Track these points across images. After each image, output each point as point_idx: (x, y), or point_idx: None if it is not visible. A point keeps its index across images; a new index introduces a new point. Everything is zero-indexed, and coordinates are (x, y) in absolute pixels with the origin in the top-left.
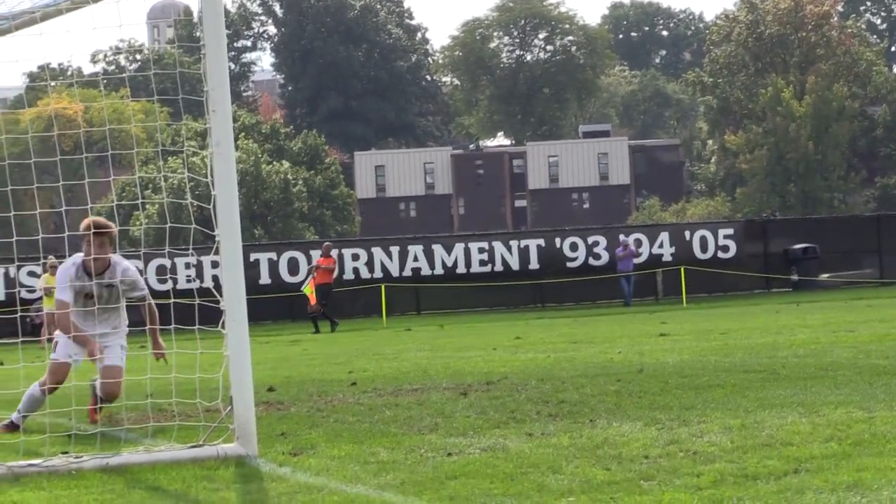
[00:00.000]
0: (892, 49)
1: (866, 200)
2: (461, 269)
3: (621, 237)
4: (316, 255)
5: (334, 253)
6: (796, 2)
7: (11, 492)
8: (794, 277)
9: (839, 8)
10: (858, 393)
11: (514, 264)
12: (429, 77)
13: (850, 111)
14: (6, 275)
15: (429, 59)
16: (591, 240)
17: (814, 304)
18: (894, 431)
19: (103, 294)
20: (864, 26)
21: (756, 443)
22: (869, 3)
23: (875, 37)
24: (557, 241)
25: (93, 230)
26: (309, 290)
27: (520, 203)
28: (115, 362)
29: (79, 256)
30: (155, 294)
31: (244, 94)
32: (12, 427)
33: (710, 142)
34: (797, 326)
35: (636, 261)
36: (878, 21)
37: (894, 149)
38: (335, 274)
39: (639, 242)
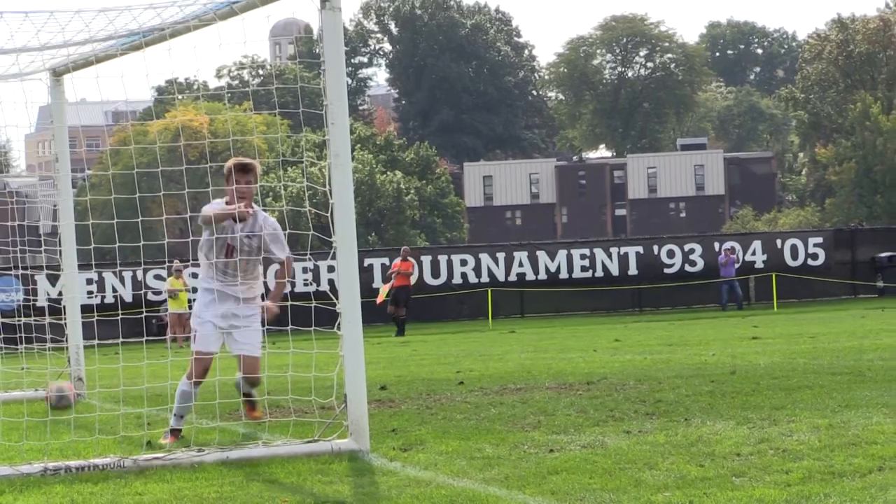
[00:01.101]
0: None
1: None
2: (564, 275)
3: (725, 246)
4: (427, 261)
5: (427, 258)
6: (885, 22)
7: (136, 483)
8: (880, 284)
9: None
10: None
11: (614, 270)
12: (535, 92)
13: None
14: (133, 277)
15: (535, 74)
16: (687, 247)
17: None
18: None
19: (244, 245)
20: None
21: (842, 441)
22: None
23: None
24: (655, 248)
25: (236, 168)
26: (384, 292)
27: (620, 212)
28: (253, 353)
29: (222, 200)
30: None
31: (360, 107)
32: (176, 434)
33: (801, 154)
34: (882, 331)
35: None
36: None
37: None
38: (414, 279)
39: (732, 250)
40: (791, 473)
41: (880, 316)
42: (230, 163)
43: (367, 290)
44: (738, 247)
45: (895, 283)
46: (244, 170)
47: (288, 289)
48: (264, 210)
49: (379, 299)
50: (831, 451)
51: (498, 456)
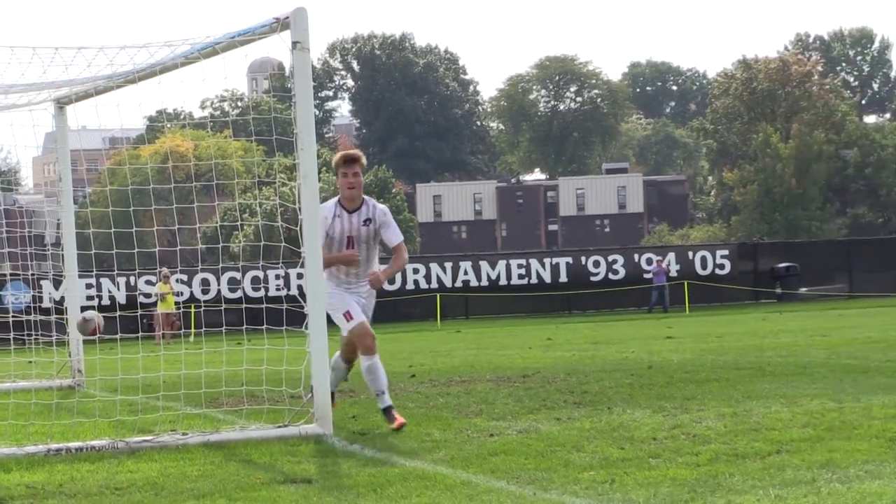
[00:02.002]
0: (863, 102)
1: (839, 228)
2: (503, 282)
3: (654, 257)
4: (382, 268)
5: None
6: (784, 62)
7: (129, 463)
8: (779, 291)
9: (819, 67)
10: (831, 387)
11: (547, 278)
12: (479, 122)
13: (826, 154)
14: (127, 282)
15: (479, 107)
16: (610, 258)
17: (794, 314)
18: (860, 419)
19: (362, 233)
20: (839, 83)
21: (745, 428)
22: (844, 64)
23: (849, 92)
24: (583, 259)
25: (344, 160)
26: None
27: (552, 227)
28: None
29: (334, 199)
30: (249, 300)
31: (326, 135)
32: (390, 413)
33: (710, 178)
34: (780, 331)
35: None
36: (852, 79)
37: (863, 185)
38: None
39: (649, 261)
40: (700, 455)
41: (778, 318)
42: (337, 157)
43: None
44: (654, 258)
45: (791, 290)
46: (350, 162)
47: (399, 272)
48: (242, 223)
49: None
50: (735, 436)
51: (445, 439)
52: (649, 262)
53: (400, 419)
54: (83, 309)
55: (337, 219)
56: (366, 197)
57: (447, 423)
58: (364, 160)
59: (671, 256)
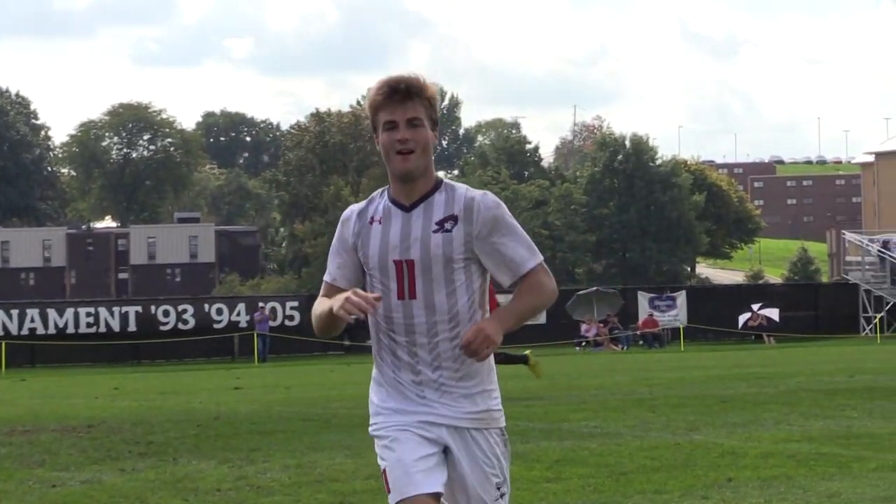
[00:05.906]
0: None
1: None
2: (71, 330)
3: (260, 304)
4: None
5: None
6: (356, 116)
7: None
8: (347, 343)
9: None
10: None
11: (116, 327)
12: (49, 168)
13: None
14: None
15: (50, 152)
16: (180, 308)
17: (362, 366)
18: None
19: (433, 249)
20: None
21: (309, 479)
22: None
23: None
24: (153, 308)
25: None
26: None
27: (123, 275)
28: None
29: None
30: None
31: None
32: None
33: (282, 229)
34: (347, 383)
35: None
36: None
37: None
38: None
39: (260, 310)
40: None
41: (346, 370)
42: (372, 90)
43: None
44: (225, 308)
45: (360, 342)
46: (399, 95)
47: (535, 313)
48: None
49: None
50: (299, 487)
51: (4, 491)
52: (259, 311)
53: None
54: None
55: (375, 226)
56: (445, 180)
57: (8, 473)
58: (434, 93)
59: (241, 307)
